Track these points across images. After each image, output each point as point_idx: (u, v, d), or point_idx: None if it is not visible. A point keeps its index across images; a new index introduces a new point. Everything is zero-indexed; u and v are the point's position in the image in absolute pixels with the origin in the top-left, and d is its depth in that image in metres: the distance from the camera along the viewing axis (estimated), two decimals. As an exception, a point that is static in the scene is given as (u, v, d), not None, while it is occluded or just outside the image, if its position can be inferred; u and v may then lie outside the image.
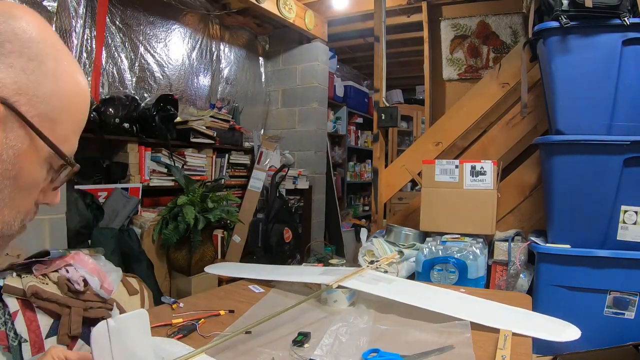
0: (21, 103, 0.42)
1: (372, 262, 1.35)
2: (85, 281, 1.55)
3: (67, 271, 1.54)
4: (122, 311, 1.59)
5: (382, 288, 1.17)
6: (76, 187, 2.26)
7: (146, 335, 0.66)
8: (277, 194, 3.32)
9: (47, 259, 1.55)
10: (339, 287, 1.13)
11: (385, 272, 1.89)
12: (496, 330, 0.95)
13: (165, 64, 3.19)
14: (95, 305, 1.53)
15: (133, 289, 1.81)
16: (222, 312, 1.10)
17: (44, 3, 2.37)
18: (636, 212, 1.87)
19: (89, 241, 2.17)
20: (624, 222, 1.89)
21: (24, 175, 0.44)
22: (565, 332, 1.00)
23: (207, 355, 0.74)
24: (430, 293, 1.24)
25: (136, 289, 1.82)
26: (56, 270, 1.54)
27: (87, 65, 2.65)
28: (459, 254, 1.97)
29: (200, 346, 0.87)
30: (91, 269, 1.59)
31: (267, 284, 1.35)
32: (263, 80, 4.17)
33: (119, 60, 2.86)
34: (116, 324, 0.61)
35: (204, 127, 3.05)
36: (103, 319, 0.62)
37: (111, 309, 1.56)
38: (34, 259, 1.54)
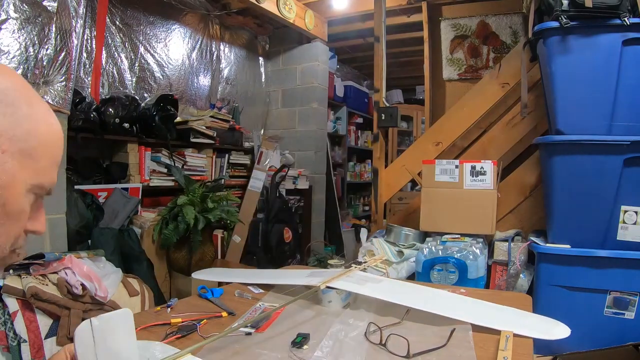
0: (2, 142, 0.48)
1: (359, 263, 1.34)
2: (83, 285, 1.55)
3: (66, 274, 1.54)
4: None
5: (372, 289, 1.16)
6: (76, 187, 2.26)
7: (131, 335, 0.66)
8: (277, 194, 3.32)
9: (42, 262, 1.54)
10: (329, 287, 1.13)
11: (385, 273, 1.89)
12: (497, 331, 0.95)
13: (165, 64, 3.19)
14: (94, 308, 1.53)
15: (133, 289, 1.80)
16: (224, 314, 1.10)
17: (44, 3, 2.37)
18: (636, 212, 1.87)
19: (89, 241, 2.17)
20: (624, 222, 1.88)
21: (11, 203, 0.50)
22: (555, 330, 1.00)
23: (192, 356, 0.73)
24: (421, 293, 1.24)
25: (137, 290, 1.82)
26: (55, 272, 1.54)
27: (87, 65, 2.65)
28: (459, 254, 1.97)
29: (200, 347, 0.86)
30: (85, 274, 1.59)
31: (266, 285, 1.34)
32: (263, 80, 4.17)
33: (119, 60, 2.86)
34: (100, 323, 0.61)
35: (204, 127, 3.05)
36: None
37: (111, 311, 1.56)
38: (29, 261, 1.54)
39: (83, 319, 0.74)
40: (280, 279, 1.36)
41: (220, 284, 1.51)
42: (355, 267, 1.31)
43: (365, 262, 1.36)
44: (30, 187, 0.52)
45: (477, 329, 0.98)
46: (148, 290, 1.90)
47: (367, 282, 1.21)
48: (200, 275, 1.51)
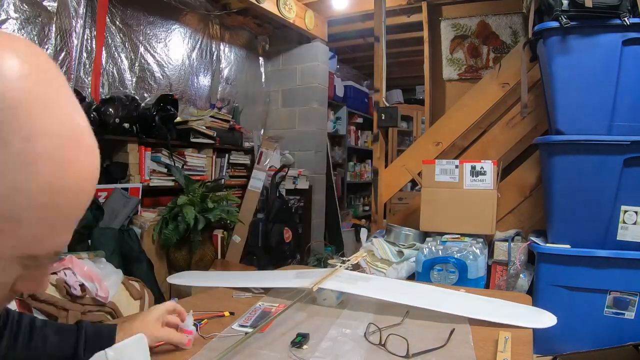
0: None
1: (343, 262, 1.34)
2: (82, 286, 1.55)
3: (66, 274, 1.54)
4: (120, 316, 1.58)
5: (365, 288, 1.16)
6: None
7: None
8: (277, 194, 3.32)
9: (43, 261, 1.54)
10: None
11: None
12: (491, 325, 0.96)
13: (165, 64, 3.19)
14: (93, 309, 1.53)
15: (135, 292, 1.80)
16: (226, 314, 1.10)
17: (44, 3, 2.37)
18: (636, 212, 1.86)
19: (89, 241, 2.17)
20: (624, 222, 1.88)
21: None
22: (542, 318, 1.02)
23: None
24: (413, 289, 1.24)
25: (138, 293, 1.81)
26: (55, 273, 1.54)
27: (87, 65, 2.65)
28: (459, 254, 1.97)
29: (200, 347, 0.86)
30: (86, 274, 1.58)
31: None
32: (263, 80, 4.17)
33: (119, 60, 2.86)
34: (114, 354, 0.60)
35: (204, 127, 3.05)
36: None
37: (110, 313, 1.56)
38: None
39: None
40: (265, 282, 1.32)
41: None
42: (340, 266, 1.30)
43: (348, 260, 1.36)
44: (11, 260, 0.34)
45: (475, 326, 0.98)
46: (149, 293, 1.90)
47: (358, 281, 1.21)
48: (175, 279, 1.43)
